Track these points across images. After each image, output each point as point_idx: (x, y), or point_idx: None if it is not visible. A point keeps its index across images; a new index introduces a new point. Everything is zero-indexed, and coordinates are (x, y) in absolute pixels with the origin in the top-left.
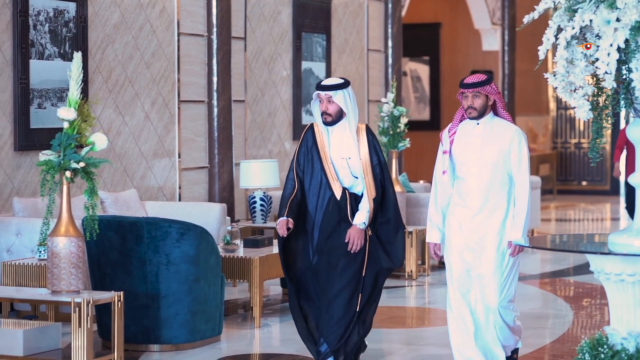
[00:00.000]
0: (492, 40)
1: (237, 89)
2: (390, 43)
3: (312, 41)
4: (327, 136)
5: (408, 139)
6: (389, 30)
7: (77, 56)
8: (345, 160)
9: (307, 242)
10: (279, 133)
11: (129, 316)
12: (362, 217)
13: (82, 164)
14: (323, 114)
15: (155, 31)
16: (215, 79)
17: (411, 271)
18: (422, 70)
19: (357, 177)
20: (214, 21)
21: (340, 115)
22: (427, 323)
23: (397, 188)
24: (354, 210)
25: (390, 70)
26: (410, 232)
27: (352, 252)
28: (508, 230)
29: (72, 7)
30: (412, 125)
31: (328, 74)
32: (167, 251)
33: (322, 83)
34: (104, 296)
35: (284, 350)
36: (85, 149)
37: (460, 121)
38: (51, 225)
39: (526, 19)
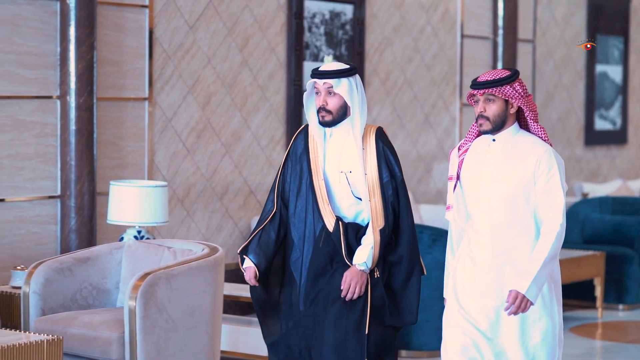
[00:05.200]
0: None
1: None
2: None
3: (608, 44)
4: (322, 141)
5: None
6: None
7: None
8: (345, 174)
9: (292, 286)
10: (569, 138)
11: None
12: (363, 255)
13: None
14: (320, 110)
15: (437, 33)
16: None
17: None
18: None
19: (360, 199)
20: (500, 23)
21: (343, 112)
22: None
23: None
24: (352, 247)
25: None
26: None
27: (347, 299)
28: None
29: (349, 10)
30: None
31: (625, 78)
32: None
33: (321, 68)
34: None
35: None
36: None
37: (477, 136)
38: None
39: None
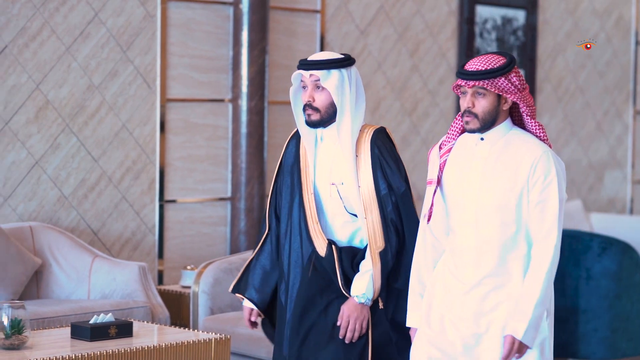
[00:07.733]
0: None
1: None
2: None
3: None
4: (313, 147)
5: None
6: None
7: None
8: (336, 186)
9: (282, 319)
10: None
11: None
12: (362, 284)
13: None
14: (306, 107)
15: (611, 40)
16: None
17: None
18: None
19: (355, 215)
20: None
21: (335, 111)
22: None
23: None
24: (348, 275)
25: None
26: None
27: (346, 341)
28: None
29: (521, 15)
30: None
31: None
32: (588, 265)
33: (309, 58)
34: None
35: None
36: None
37: (461, 133)
38: None
39: None
